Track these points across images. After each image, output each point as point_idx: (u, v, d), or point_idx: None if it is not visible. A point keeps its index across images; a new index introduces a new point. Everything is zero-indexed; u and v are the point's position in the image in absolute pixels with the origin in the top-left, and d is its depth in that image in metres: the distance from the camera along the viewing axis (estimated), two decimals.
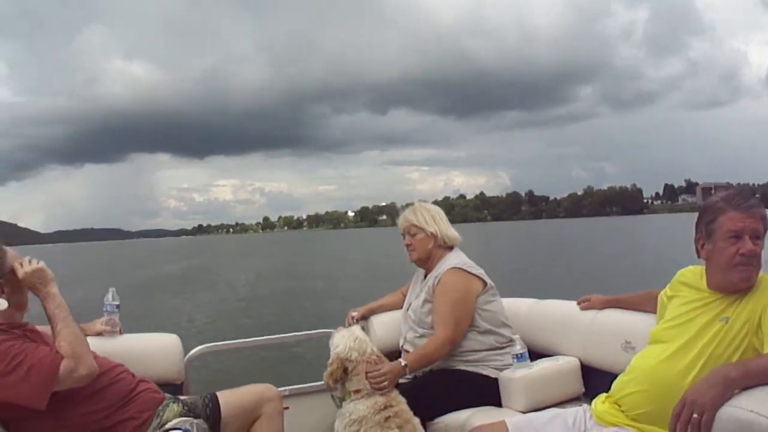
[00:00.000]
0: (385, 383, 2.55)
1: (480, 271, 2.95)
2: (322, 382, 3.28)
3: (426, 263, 3.05)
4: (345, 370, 2.57)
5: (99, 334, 2.72)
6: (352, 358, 2.58)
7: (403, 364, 2.66)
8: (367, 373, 2.55)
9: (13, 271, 2.13)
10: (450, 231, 3.02)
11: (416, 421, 2.47)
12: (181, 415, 2.23)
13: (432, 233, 2.98)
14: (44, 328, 2.23)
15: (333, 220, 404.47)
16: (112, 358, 2.41)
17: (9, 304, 2.04)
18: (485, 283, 2.93)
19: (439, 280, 2.89)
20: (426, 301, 2.94)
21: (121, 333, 2.79)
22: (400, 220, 3.10)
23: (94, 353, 2.28)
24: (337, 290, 19.07)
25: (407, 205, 3.16)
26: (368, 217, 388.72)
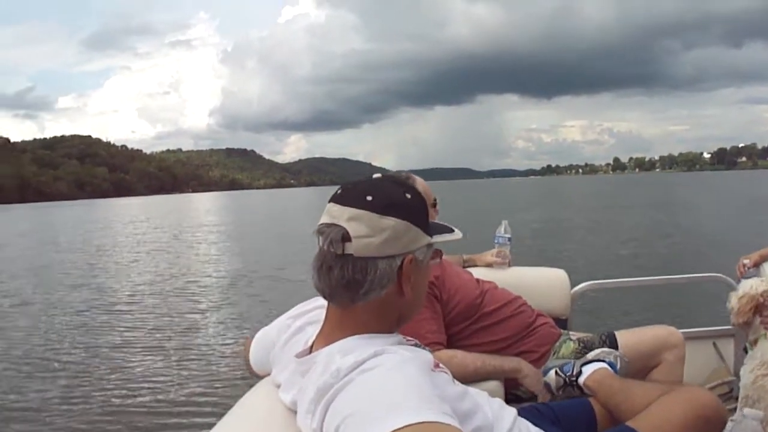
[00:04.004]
0: None
1: None
2: (704, 329, 3.04)
3: None
4: (756, 309, 2.26)
5: (489, 265, 2.77)
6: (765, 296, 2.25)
7: None
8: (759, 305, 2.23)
9: None
10: None
11: None
12: (577, 353, 2.14)
13: None
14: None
15: (687, 162, 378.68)
16: None
17: None
18: None
19: None
20: None
21: (510, 265, 2.81)
22: None
23: (494, 284, 2.33)
24: (717, 236, 17.25)
25: None
26: (726, 159, 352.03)
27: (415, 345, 1.24)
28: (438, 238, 1.21)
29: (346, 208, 1.12)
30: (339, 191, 1.18)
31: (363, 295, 1.11)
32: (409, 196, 1.16)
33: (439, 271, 2.17)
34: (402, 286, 1.14)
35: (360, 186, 1.17)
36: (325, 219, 1.14)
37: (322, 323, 1.22)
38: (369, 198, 1.12)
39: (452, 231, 1.27)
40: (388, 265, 1.12)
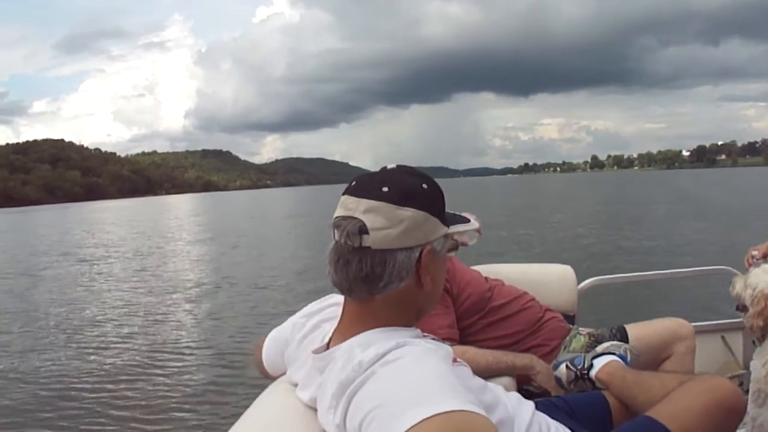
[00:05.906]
0: None
1: None
2: (712, 322, 3.04)
3: None
4: None
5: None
6: None
7: None
8: None
9: None
10: None
11: None
12: (587, 347, 2.09)
13: None
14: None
15: (666, 160, 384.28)
16: None
17: None
18: None
19: None
20: None
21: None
22: None
23: (501, 281, 2.32)
24: (721, 230, 17.44)
25: None
26: (705, 156, 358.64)
27: (434, 339, 1.21)
28: (455, 228, 1.18)
29: (362, 200, 1.08)
30: (353, 183, 1.14)
31: (382, 288, 1.08)
32: (425, 186, 1.13)
33: (450, 265, 2.13)
34: (421, 278, 1.11)
35: (375, 177, 1.13)
36: (340, 212, 1.10)
37: (337, 320, 1.19)
38: (385, 189, 1.08)
39: (468, 221, 1.23)
40: (407, 257, 1.08)
